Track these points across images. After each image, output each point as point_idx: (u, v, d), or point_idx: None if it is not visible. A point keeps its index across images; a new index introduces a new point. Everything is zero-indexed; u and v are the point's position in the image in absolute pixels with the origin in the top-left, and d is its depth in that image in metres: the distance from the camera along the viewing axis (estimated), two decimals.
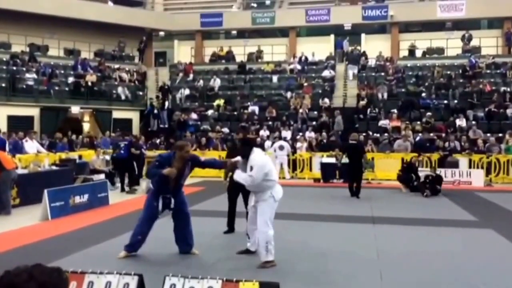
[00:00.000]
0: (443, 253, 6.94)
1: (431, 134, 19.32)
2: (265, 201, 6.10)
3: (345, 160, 13.87)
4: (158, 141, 20.64)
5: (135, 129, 23.31)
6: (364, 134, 19.80)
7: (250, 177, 6.05)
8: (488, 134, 19.00)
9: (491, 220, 9.66)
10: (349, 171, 13.21)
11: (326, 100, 22.75)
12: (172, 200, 6.59)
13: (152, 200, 6.62)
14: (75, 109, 21.79)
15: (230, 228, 8.25)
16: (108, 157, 15.60)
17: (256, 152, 6.27)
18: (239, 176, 6.24)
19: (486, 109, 20.64)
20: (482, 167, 16.92)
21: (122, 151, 14.54)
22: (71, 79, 23.38)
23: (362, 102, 22.20)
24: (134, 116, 24.18)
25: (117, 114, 23.24)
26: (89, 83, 23.05)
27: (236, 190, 7.90)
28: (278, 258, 6.20)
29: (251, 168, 6.04)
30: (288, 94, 23.83)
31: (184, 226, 6.71)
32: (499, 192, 14.44)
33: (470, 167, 17.04)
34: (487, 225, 9.13)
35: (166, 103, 23.28)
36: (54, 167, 13.06)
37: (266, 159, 6.36)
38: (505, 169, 17.00)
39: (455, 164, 16.98)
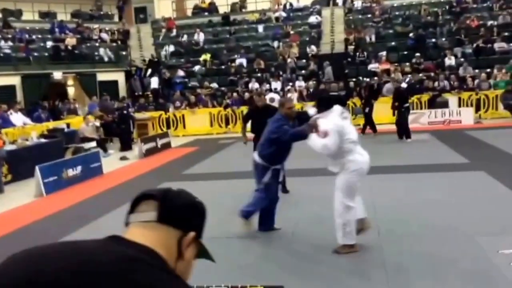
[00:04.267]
0: (437, 201, 7.01)
1: (420, 75, 19.20)
2: (343, 172, 5.20)
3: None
4: (145, 102, 20.26)
5: (122, 90, 22.76)
6: (354, 79, 19.64)
7: (323, 146, 5.13)
8: (477, 70, 18.87)
9: (482, 161, 9.75)
10: None
11: (314, 47, 22.39)
12: (281, 173, 6.11)
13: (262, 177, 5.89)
14: (57, 75, 20.98)
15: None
16: (98, 123, 15.35)
17: (334, 112, 5.26)
18: (314, 141, 5.24)
19: (474, 45, 20.37)
20: (471, 105, 17.07)
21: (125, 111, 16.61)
22: (49, 44, 22.43)
23: (351, 47, 21.87)
24: (119, 77, 23.44)
25: (101, 77, 22.54)
26: (69, 47, 22.15)
27: None
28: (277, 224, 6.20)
29: (325, 134, 5.13)
30: (275, 44, 23.40)
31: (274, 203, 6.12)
32: (489, 129, 14.63)
33: (459, 105, 17.15)
34: (479, 167, 9.21)
35: (156, 78, 21.89)
36: (43, 140, 12.73)
37: (343, 123, 5.25)
38: (494, 104, 17.20)
39: (445, 104, 17.07)
